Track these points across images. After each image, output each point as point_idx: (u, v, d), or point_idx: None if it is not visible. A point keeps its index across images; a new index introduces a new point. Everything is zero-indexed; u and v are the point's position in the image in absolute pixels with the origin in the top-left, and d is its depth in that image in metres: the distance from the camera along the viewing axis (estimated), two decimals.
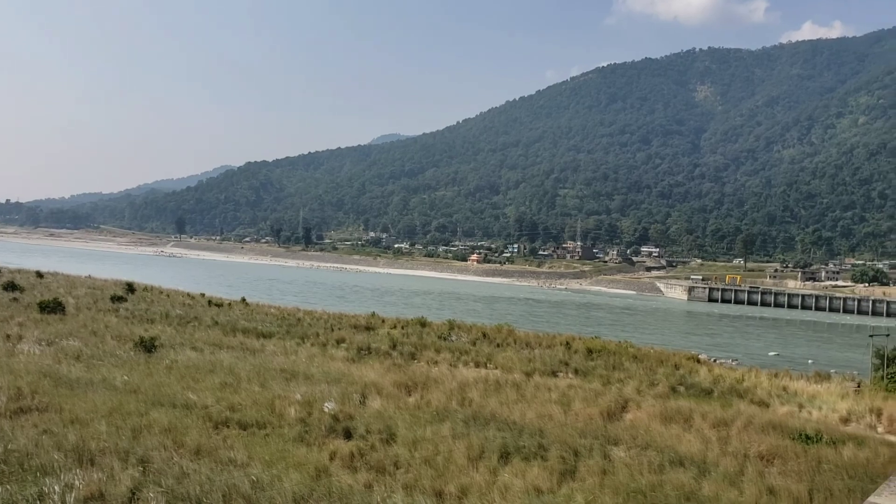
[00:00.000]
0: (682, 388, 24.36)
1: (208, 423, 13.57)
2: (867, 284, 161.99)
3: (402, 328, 39.09)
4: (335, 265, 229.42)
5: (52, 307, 31.17)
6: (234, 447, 11.97)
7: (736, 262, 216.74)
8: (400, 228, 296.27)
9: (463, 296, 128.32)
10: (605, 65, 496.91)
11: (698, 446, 14.43)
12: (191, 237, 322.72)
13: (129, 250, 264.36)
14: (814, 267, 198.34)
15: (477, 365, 27.16)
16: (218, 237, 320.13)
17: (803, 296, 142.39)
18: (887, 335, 38.52)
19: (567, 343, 35.53)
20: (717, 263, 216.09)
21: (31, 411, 13.49)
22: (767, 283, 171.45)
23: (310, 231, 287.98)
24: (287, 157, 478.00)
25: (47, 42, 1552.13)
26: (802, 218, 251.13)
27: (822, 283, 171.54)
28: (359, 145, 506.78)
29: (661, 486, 11.25)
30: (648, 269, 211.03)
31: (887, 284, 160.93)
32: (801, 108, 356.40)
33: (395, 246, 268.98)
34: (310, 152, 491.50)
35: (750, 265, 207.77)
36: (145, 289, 53.86)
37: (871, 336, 40.43)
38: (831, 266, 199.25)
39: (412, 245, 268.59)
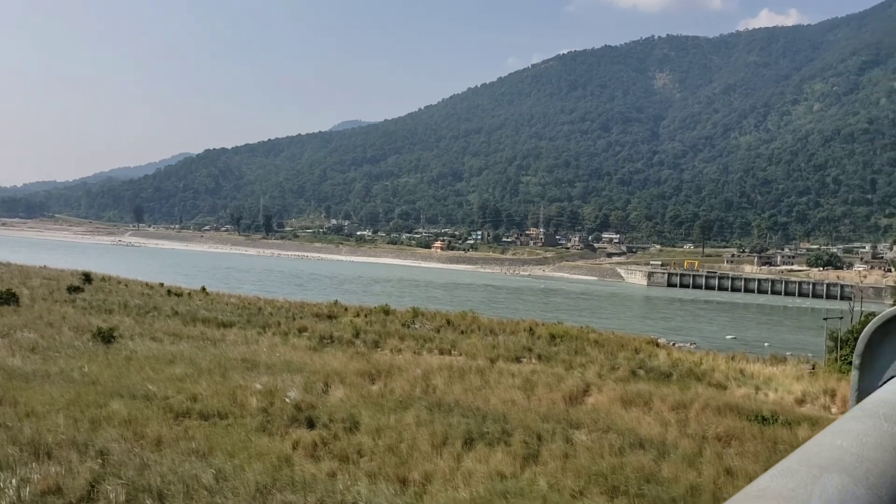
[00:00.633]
0: (642, 372, 24.71)
1: (169, 414, 13.43)
2: (821, 268, 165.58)
3: (366, 316, 39.00)
4: (296, 253, 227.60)
5: (5, 298, 30.45)
6: (196, 438, 11.86)
7: (692, 247, 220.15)
8: (362, 216, 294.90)
9: (424, 283, 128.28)
10: (565, 52, 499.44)
11: (658, 429, 14.67)
12: (149, 226, 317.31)
13: (86, 240, 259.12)
14: (770, 252, 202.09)
15: (441, 352, 27.21)
16: (177, 226, 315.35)
17: (759, 280, 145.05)
18: (841, 318, 39.44)
19: (530, 329, 35.79)
20: (675, 249, 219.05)
21: None
22: (725, 267, 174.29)
23: (270, 219, 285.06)
24: (247, 144, 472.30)
25: None
26: (759, 204, 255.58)
27: (778, 268, 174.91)
28: (320, 132, 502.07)
29: (622, 469, 11.42)
30: (609, 255, 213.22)
31: (841, 268, 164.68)
32: (758, 96, 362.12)
33: (358, 233, 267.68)
34: (270, 139, 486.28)
35: (708, 250, 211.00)
36: (103, 279, 52.94)
37: (825, 319, 41.37)
38: (787, 251, 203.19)
39: (375, 232, 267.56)
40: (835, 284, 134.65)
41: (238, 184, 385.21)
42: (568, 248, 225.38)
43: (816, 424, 16.02)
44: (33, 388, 14.76)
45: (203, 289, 54.02)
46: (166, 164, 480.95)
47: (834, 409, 20.70)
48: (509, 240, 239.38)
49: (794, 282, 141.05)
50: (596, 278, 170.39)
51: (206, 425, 13.08)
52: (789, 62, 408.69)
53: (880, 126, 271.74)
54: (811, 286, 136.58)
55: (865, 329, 0.98)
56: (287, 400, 15.11)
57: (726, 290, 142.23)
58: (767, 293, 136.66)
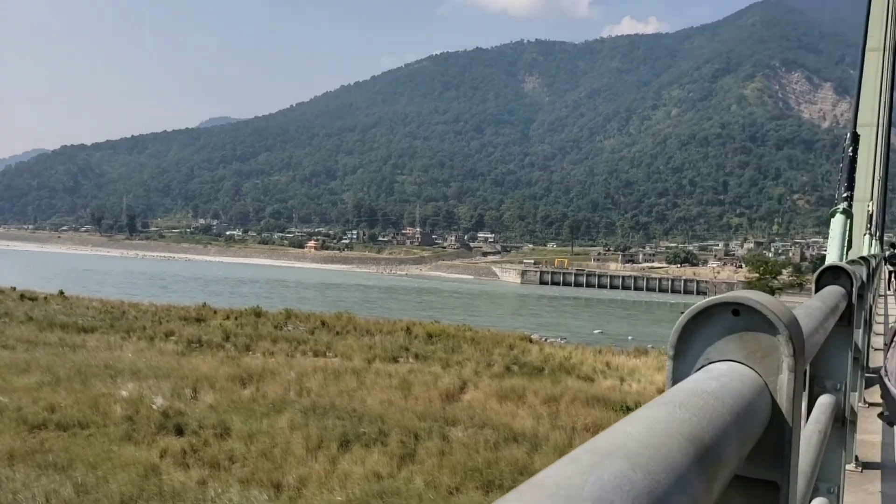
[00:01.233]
0: (516, 368, 25.29)
1: (23, 427, 12.58)
2: (679, 265, 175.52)
3: (236, 319, 37.91)
4: (162, 254, 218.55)
5: None
6: (53, 450, 11.17)
7: (554, 246, 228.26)
8: (232, 215, 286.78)
9: (294, 283, 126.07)
10: (438, 53, 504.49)
11: (531, 422, 15.08)
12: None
13: None
14: (633, 250, 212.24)
15: (316, 354, 26.84)
16: (31, 226, 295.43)
17: (623, 277, 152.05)
18: None
19: (408, 328, 35.89)
20: (547, 248, 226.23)
21: None
22: (592, 265, 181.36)
23: (134, 219, 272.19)
24: (108, 141, 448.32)
25: None
26: (622, 204, 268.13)
27: (640, 265, 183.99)
28: (187, 128, 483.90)
29: (497, 463, 11.66)
30: (485, 254, 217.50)
31: (697, 265, 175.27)
32: (621, 101, 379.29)
33: (228, 233, 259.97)
34: (133, 136, 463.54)
35: (576, 249, 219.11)
36: None
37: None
38: (648, 249, 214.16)
39: (245, 232, 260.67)
40: (691, 280, 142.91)
41: (99, 182, 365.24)
42: (444, 248, 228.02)
43: None
44: None
45: (61, 292, 50.85)
46: (18, 160, 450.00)
47: None
48: (385, 239, 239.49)
49: (655, 278, 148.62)
50: (472, 277, 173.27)
51: (65, 437, 12.34)
52: (649, 69, 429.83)
53: (731, 131, 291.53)
54: (670, 282, 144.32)
55: (678, 322, 1.03)
56: (154, 407, 14.51)
57: (594, 286, 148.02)
58: (631, 289, 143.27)
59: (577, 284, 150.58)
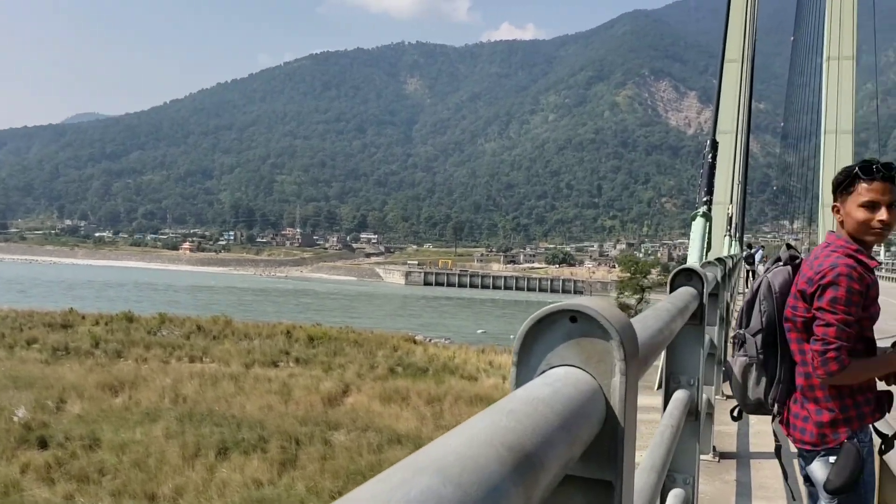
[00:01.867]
0: (400, 369, 25.35)
1: None
2: (558, 266, 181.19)
3: (106, 324, 36.14)
4: (23, 257, 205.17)
5: None
6: None
7: (431, 247, 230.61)
8: (101, 216, 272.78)
9: (164, 286, 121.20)
10: (318, 52, 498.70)
11: (415, 423, 15.21)
12: None
13: None
14: (514, 251, 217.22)
15: (192, 360, 26.00)
16: None
17: (505, 277, 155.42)
18: None
19: (288, 332, 35.27)
20: (431, 249, 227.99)
21: None
22: (475, 266, 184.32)
23: None
24: None
25: None
26: (503, 206, 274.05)
27: (522, 266, 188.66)
28: (50, 124, 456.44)
29: (380, 466, 11.69)
30: (368, 255, 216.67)
31: (574, 265, 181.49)
32: (500, 105, 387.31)
33: (97, 235, 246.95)
34: None
35: (460, 250, 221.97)
36: None
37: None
38: (528, 250, 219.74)
39: (116, 234, 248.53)
40: (569, 280, 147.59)
41: None
42: (326, 249, 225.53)
43: None
44: None
45: None
46: None
47: None
48: (265, 240, 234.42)
49: (535, 278, 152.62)
50: (355, 278, 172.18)
51: None
52: (527, 74, 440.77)
53: (604, 136, 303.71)
54: (549, 282, 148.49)
55: (521, 329, 1.05)
56: (15, 419, 13.67)
57: (477, 287, 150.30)
58: (513, 289, 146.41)
59: (461, 285, 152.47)
